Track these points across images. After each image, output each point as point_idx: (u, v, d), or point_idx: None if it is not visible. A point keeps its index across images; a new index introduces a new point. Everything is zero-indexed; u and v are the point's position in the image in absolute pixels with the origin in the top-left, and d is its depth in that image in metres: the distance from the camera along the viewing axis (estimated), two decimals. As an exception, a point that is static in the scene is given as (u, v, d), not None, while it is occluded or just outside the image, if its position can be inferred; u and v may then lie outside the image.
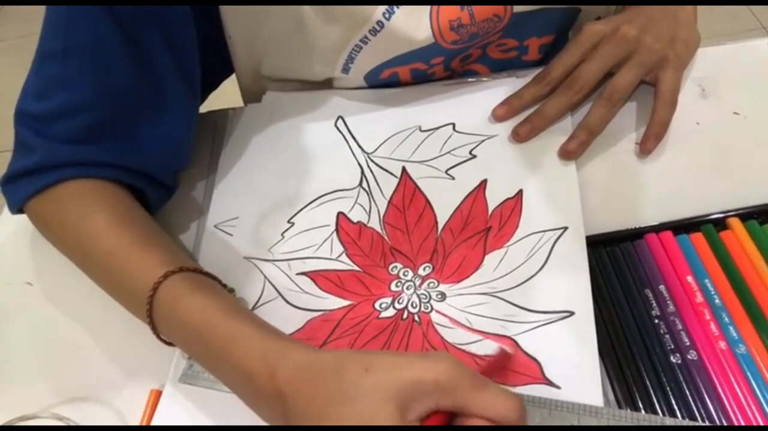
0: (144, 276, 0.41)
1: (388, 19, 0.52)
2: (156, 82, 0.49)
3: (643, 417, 0.39)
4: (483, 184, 0.54)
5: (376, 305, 0.48)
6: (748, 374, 0.41)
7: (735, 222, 0.48)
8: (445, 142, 0.57)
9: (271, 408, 0.37)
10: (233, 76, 0.63)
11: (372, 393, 0.33)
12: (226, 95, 0.67)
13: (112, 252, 0.44)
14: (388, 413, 0.33)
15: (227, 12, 0.54)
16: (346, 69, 0.58)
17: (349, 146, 0.58)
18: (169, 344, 0.44)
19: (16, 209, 0.50)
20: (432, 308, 0.47)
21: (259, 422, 0.40)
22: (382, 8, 0.52)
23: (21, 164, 0.48)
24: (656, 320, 0.44)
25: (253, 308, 0.49)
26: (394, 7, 0.52)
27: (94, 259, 0.46)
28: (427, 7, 0.53)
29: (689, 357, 0.42)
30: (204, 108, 0.62)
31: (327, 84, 0.62)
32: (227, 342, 0.39)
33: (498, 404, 0.34)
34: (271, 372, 0.36)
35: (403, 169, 0.56)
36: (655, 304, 0.45)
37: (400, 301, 0.48)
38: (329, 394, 0.34)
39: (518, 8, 0.55)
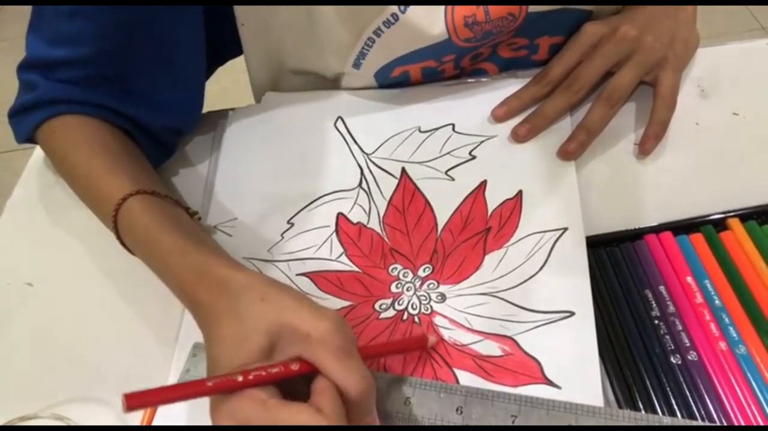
0: (110, 198, 0.48)
1: (403, 12, 0.53)
2: (156, 40, 0.52)
3: (641, 417, 0.39)
4: (483, 185, 0.54)
5: (376, 306, 0.48)
6: (748, 374, 0.41)
7: (735, 223, 0.48)
8: (445, 143, 0.57)
9: (194, 312, 0.42)
10: (233, 77, 0.63)
11: (255, 321, 0.37)
12: (226, 95, 0.67)
13: (87, 177, 0.51)
14: (257, 342, 0.36)
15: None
16: (357, 64, 0.58)
17: (349, 147, 0.58)
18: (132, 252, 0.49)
19: (23, 140, 0.56)
20: (432, 310, 0.47)
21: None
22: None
23: (24, 100, 0.54)
24: (656, 321, 0.44)
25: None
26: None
27: (76, 183, 0.53)
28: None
29: (689, 357, 0.42)
30: (204, 108, 0.61)
31: (336, 81, 0.62)
32: (165, 255, 0.44)
33: (346, 378, 0.36)
34: (196, 281, 0.41)
35: (403, 170, 0.56)
36: (654, 305, 0.45)
37: (400, 302, 0.48)
38: (227, 309, 0.39)
39: (533, 8, 0.55)
